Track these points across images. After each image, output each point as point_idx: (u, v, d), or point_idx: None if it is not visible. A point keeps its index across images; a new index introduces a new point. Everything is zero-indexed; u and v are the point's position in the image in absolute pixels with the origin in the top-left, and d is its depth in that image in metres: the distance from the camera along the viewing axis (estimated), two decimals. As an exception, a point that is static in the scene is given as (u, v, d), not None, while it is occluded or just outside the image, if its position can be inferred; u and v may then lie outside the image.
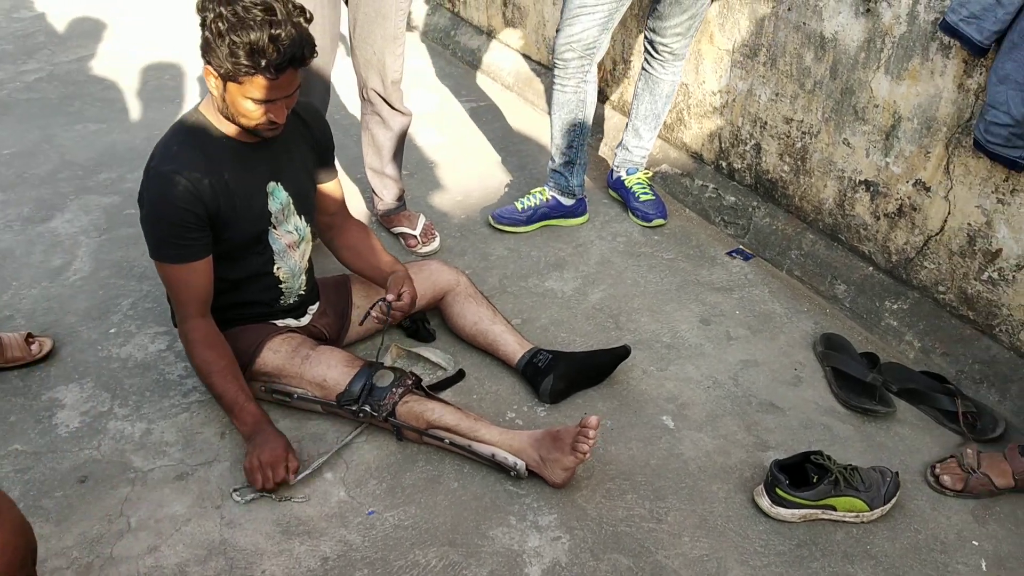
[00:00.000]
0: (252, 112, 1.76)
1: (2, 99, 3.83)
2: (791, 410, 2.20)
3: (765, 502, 1.90)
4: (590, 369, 2.22)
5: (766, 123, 2.72)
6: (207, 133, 1.86)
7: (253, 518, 1.86)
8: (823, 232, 2.65)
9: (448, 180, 3.25)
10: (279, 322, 2.13)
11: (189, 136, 1.85)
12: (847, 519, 1.89)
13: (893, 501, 1.90)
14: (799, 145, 2.63)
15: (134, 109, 3.78)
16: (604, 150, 3.41)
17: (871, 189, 2.44)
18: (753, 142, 2.80)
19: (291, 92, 1.79)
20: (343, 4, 2.43)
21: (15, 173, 3.21)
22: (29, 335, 2.26)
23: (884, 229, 2.44)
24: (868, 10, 2.27)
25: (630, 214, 2.99)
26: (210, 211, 1.84)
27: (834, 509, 1.88)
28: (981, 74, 2.04)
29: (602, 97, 3.51)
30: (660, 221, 2.93)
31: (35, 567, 1.39)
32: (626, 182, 3.01)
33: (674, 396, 2.23)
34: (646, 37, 2.78)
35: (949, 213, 2.24)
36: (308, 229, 2.10)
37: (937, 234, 2.29)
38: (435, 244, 2.79)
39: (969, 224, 2.20)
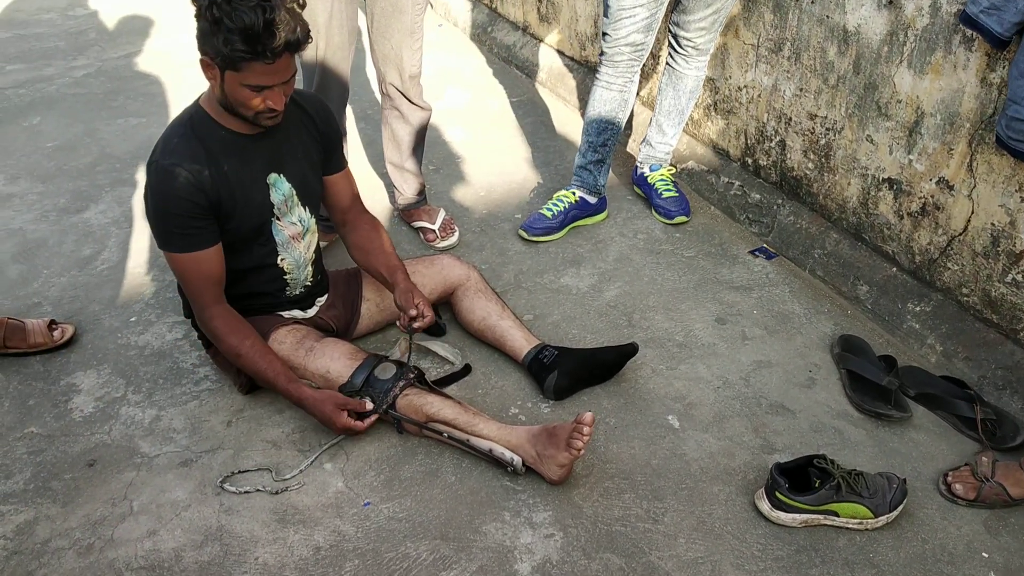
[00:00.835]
0: (250, 100, 1.78)
1: (51, 94, 3.96)
2: (802, 413, 2.15)
3: (765, 506, 1.86)
4: (596, 366, 2.20)
5: (791, 119, 2.66)
6: (206, 126, 1.89)
7: (251, 506, 1.89)
8: (847, 231, 2.58)
9: (472, 175, 3.25)
10: (285, 313, 2.16)
11: (189, 129, 1.88)
12: (850, 525, 1.83)
13: (900, 508, 1.84)
14: (823, 142, 2.56)
15: (174, 104, 3.86)
16: (631, 146, 3.37)
17: (894, 187, 2.37)
18: (778, 138, 2.74)
19: (288, 78, 1.80)
20: (360, -1, 2.45)
21: (56, 165, 3.31)
22: (52, 321, 2.33)
23: (907, 229, 2.37)
24: (890, 2, 2.20)
25: (652, 211, 2.95)
26: (212, 202, 1.87)
27: (836, 515, 1.83)
28: (1004, 68, 1.97)
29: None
30: (682, 218, 2.88)
31: None
32: (649, 178, 2.97)
33: (682, 395, 2.20)
34: (670, 31, 2.74)
35: (973, 212, 2.16)
36: (313, 220, 2.12)
37: (961, 234, 2.21)
38: (454, 239, 2.80)
39: (993, 224, 2.12)
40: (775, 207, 2.80)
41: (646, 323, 2.46)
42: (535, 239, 2.83)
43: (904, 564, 1.77)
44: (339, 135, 2.17)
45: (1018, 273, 2.09)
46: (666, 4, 2.53)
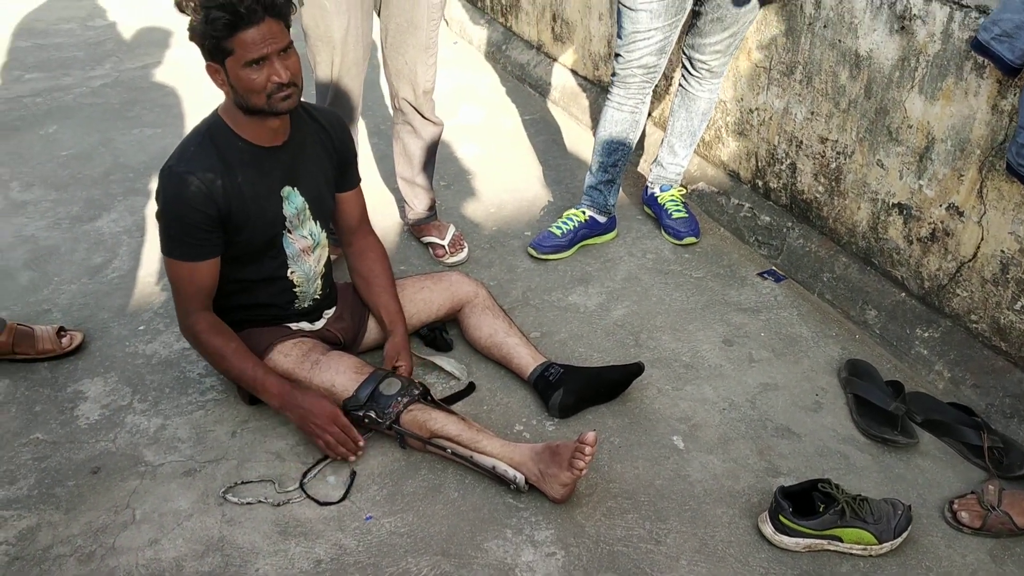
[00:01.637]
0: (256, 81, 1.76)
1: (68, 103, 4.00)
2: (807, 436, 2.14)
3: (769, 529, 1.84)
4: (601, 385, 2.20)
5: (801, 142, 2.66)
6: (224, 136, 1.90)
7: (253, 517, 1.89)
8: (856, 255, 2.58)
9: (483, 192, 3.26)
10: (292, 325, 2.16)
11: (207, 139, 1.89)
12: (854, 551, 1.82)
13: (904, 535, 1.82)
14: (833, 165, 2.56)
15: (190, 116, 3.89)
16: (643, 166, 3.38)
17: (904, 212, 2.36)
18: (789, 161, 2.74)
19: (284, 46, 1.78)
20: (375, 14, 2.47)
21: (70, 174, 3.34)
22: (61, 328, 2.35)
23: (917, 254, 2.36)
24: (903, 28, 2.20)
25: (662, 231, 2.95)
26: (222, 212, 1.88)
27: (840, 540, 1.81)
28: (1015, 95, 1.97)
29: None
30: (691, 239, 2.89)
31: None
32: (659, 199, 2.98)
33: (687, 416, 2.19)
34: (684, 53, 2.75)
35: (982, 239, 2.16)
36: (324, 235, 2.13)
37: (970, 260, 2.21)
38: (463, 255, 2.80)
39: (1002, 251, 2.11)
40: (785, 230, 2.80)
41: (653, 343, 2.45)
42: (544, 257, 2.83)
43: (908, 592, 1.75)
44: (354, 152, 2.18)
45: (1027, 301, 2.09)
46: (680, 27, 2.54)
